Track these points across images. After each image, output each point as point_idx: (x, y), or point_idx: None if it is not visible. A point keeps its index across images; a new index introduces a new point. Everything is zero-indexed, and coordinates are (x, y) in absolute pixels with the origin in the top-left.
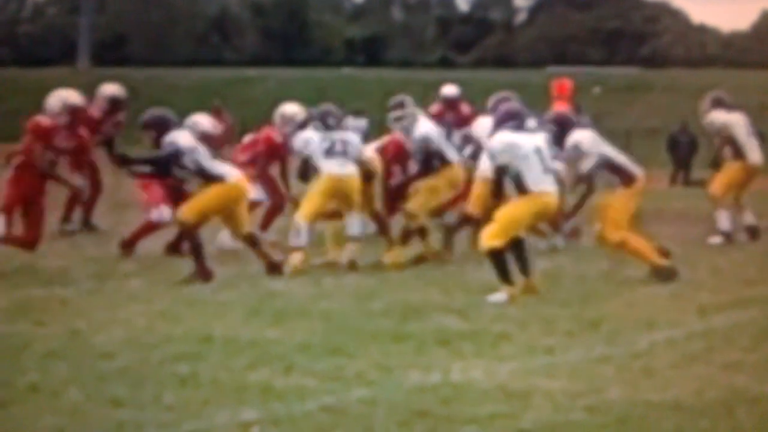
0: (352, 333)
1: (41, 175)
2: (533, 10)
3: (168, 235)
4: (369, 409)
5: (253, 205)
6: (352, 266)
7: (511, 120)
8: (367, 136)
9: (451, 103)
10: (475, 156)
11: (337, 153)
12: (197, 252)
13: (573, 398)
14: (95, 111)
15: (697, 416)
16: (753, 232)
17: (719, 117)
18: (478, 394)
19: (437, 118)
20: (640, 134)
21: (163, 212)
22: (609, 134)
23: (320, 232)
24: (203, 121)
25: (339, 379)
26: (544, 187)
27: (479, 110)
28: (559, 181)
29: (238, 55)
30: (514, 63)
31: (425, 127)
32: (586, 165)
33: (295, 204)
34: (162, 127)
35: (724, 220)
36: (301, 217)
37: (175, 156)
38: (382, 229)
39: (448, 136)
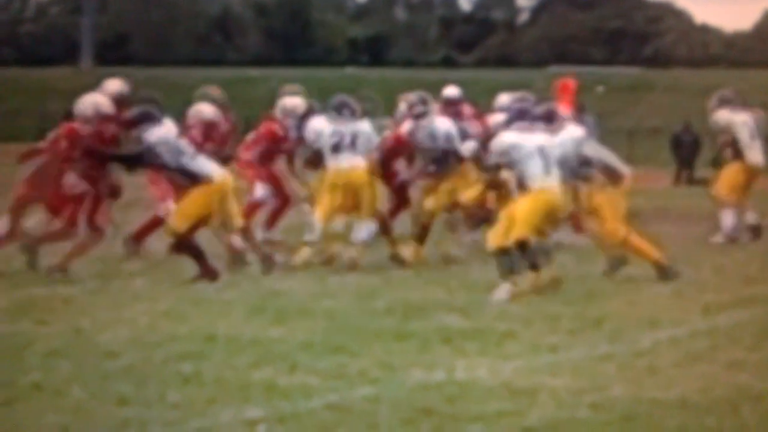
0: (355, 331)
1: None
2: (536, 10)
3: None
4: (373, 407)
5: (257, 205)
6: (353, 266)
7: (520, 119)
8: None
9: (452, 104)
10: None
11: (344, 147)
12: (198, 256)
13: (577, 396)
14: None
15: (702, 414)
16: (756, 232)
17: (723, 116)
18: (483, 392)
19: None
20: (643, 134)
21: (170, 207)
22: (612, 134)
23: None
24: (206, 109)
25: (342, 378)
26: (544, 184)
27: (482, 110)
28: None
29: (240, 54)
30: (516, 63)
31: (446, 124)
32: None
33: (311, 201)
34: (143, 122)
35: (727, 220)
36: (318, 218)
37: (151, 153)
38: (384, 229)
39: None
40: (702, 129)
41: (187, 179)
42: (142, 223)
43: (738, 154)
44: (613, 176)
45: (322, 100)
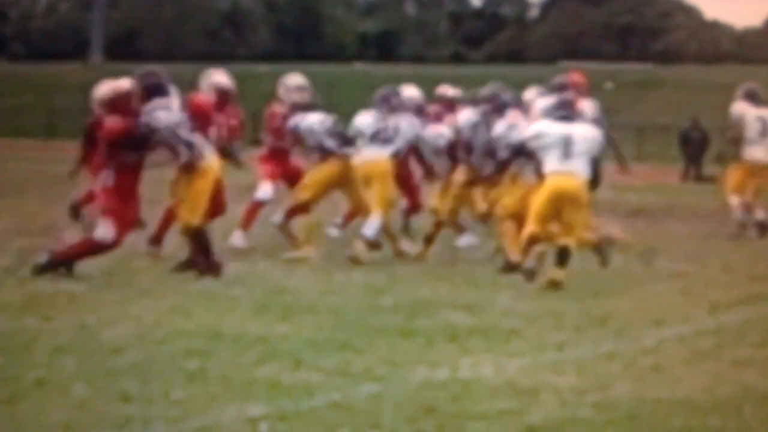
0: (360, 329)
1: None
2: (545, 6)
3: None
4: (377, 405)
5: (258, 205)
6: (355, 261)
7: (559, 110)
8: None
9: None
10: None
11: (380, 139)
12: (207, 249)
13: (581, 395)
14: None
15: (707, 413)
16: (763, 229)
17: (739, 108)
18: (487, 390)
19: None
20: (652, 130)
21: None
22: (621, 130)
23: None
24: (222, 78)
25: (347, 375)
26: (556, 170)
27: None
28: None
29: (250, 50)
30: (526, 58)
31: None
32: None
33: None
34: (152, 89)
35: (738, 211)
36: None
37: (152, 132)
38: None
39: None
40: (711, 125)
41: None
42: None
43: (742, 149)
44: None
45: (331, 96)
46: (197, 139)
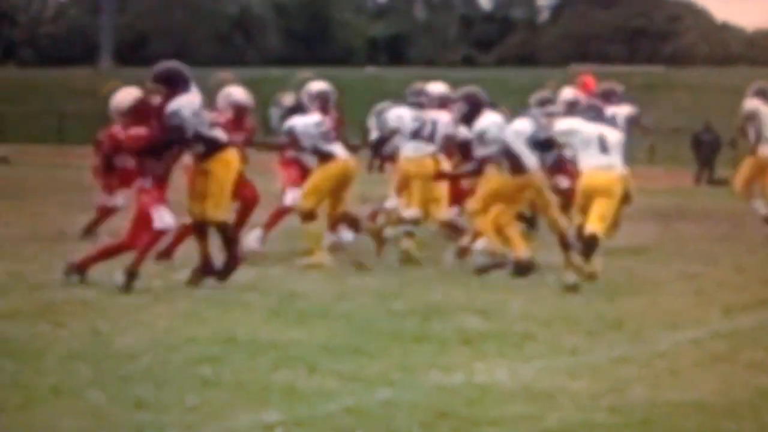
0: (374, 333)
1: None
2: (556, 9)
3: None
4: (391, 410)
5: (285, 211)
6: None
7: (589, 111)
8: None
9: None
10: None
11: (422, 136)
12: (232, 244)
13: (596, 399)
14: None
15: (721, 416)
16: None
17: (751, 104)
18: (501, 394)
19: None
20: (664, 133)
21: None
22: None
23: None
24: (237, 92)
25: (361, 380)
26: (591, 164)
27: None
28: None
29: (260, 54)
30: (536, 61)
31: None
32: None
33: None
34: (174, 84)
35: (760, 206)
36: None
37: (180, 128)
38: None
39: None
40: (722, 128)
41: (204, 148)
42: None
43: (754, 145)
44: (516, 167)
45: (341, 100)
46: (219, 133)
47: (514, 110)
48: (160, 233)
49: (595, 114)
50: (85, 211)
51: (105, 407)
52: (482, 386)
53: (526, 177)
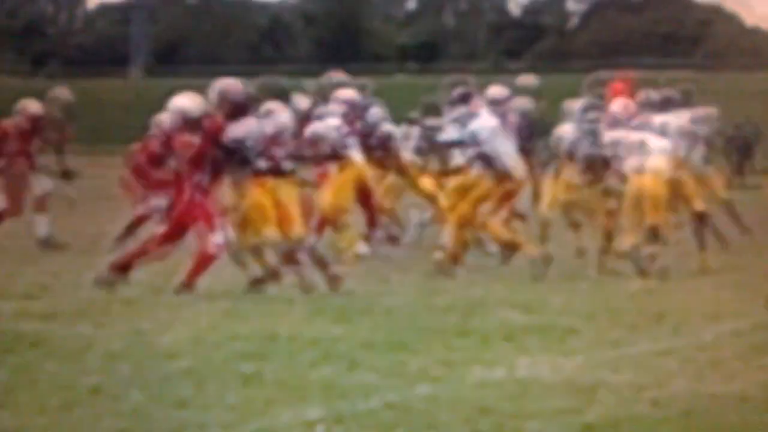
0: (415, 329)
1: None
2: (585, 15)
3: None
4: (433, 405)
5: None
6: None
7: (632, 122)
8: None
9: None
10: None
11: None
12: (323, 263)
13: (638, 392)
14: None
15: (764, 409)
16: None
17: None
18: (543, 389)
19: None
20: None
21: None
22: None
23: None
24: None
25: (402, 376)
26: (632, 168)
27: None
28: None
29: (290, 64)
30: (566, 67)
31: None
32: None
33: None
34: (238, 109)
35: None
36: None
37: (238, 152)
38: (370, 222)
39: None
40: (753, 132)
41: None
42: None
43: None
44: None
45: None
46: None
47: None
48: (213, 257)
49: (640, 124)
50: (117, 220)
51: (146, 407)
52: (524, 381)
53: (509, 180)
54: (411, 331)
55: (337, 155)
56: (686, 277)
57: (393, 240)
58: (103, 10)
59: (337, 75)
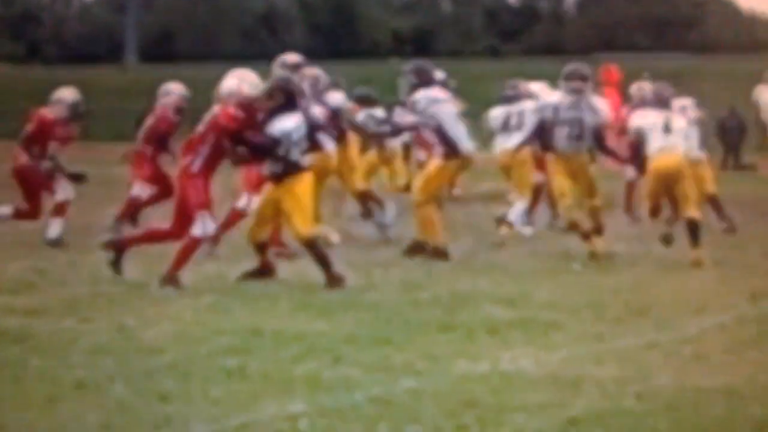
0: (399, 323)
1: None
2: None
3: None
4: (417, 399)
5: None
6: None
7: (656, 103)
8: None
9: None
10: None
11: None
12: (324, 260)
13: (623, 385)
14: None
15: (749, 402)
16: None
17: (759, 92)
18: (528, 383)
19: None
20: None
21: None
22: None
23: None
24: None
25: (386, 370)
26: (655, 147)
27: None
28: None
29: (286, 49)
30: (562, 51)
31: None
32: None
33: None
34: (291, 98)
35: None
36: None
37: (278, 144)
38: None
39: None
40: (749, 115)
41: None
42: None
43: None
44: (448, 150)
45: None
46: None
47: None
48: (198, 241)
49: (662, 103)
50: (110, 207)
51: (130, 401)
52: (508, 374)
53: (459, 160)
54: (395, 325)
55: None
56: (671, 270)
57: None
58: None
59: (291, 57)
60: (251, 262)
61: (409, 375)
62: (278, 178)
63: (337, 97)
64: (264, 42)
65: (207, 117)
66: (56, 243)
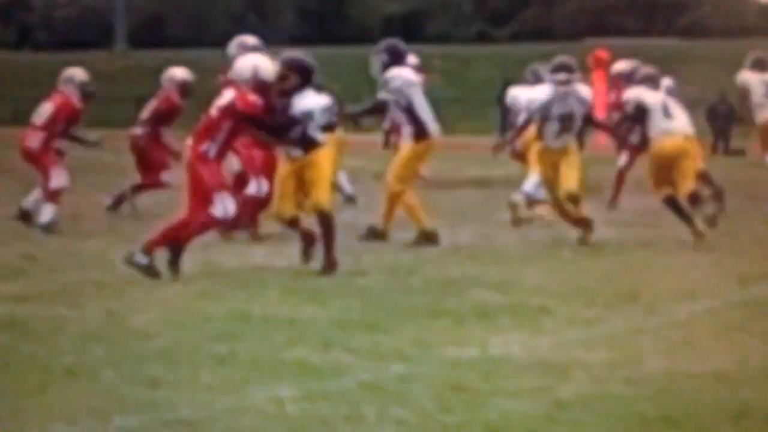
0: (389, 309)
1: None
2: None
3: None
4: (405, 384)
5: None
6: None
7: (647, 82)
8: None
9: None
10: None
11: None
12: (333, 242)
13: (612, 370)
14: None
15: (738, 386)
16: None
17: (742, 76)
18: (516, 367)
19: None
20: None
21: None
22: None
23: None
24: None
25: (376, 356)
26: (658, 131)
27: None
28: None
29: (275, 34)
30: (551, 35)
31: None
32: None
33: None
34: (307, 76)
35: None
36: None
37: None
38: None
39: None
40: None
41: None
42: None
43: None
44: (417, 131)
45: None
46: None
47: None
48: (216, 222)
49: (654, 84)
50: (100, 192)
51: (119, 387)
52: (497, 359)
53: (428, 142)
54: (384, 311)
55: None
56: (660, 256)
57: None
58: None
59: (250, 40)
60: (241, 249)
61: (399, 360)
62: (299, 157)
63: None
64: (254, 27)
65: (220, 102)
66: (49, 228)
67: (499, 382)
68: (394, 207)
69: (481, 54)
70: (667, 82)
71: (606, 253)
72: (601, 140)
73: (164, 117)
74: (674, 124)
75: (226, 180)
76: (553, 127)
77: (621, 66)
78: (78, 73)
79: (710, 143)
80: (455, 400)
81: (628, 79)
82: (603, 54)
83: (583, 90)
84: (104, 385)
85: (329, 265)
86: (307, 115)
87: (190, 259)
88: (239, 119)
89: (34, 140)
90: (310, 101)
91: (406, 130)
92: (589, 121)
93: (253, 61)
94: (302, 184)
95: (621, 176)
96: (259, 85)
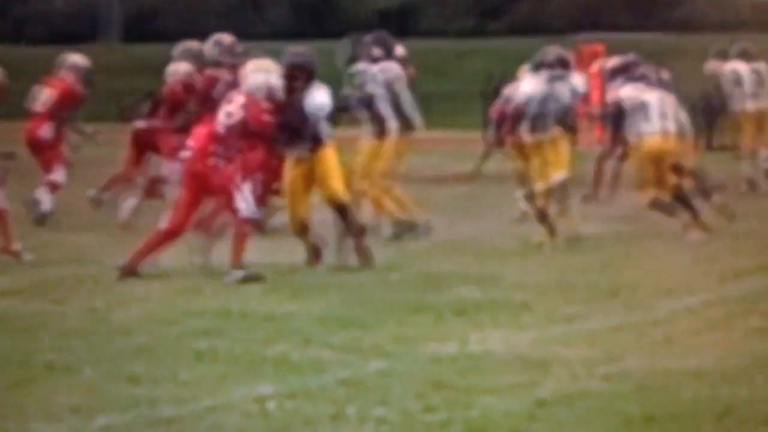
0: (369, 305)
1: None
2: None
3: None
4: (386, 381)
5: None
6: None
7: (639, 80)
8: None
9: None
10: None
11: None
12: (353, 225)
13: (591, 367)
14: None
15: (718, 383)
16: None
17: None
18: (496, 364)
19: None
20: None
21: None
22: None
23: None
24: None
25: (356, 352)
26: (651, 130)
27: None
28: None
29: (270, 27)
30: (545, 30)
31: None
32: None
33: None
34: (312, 74)
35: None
36: None
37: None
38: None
39: None
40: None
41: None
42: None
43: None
44: (379, 128)
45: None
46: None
47: None
48: (248, 222)
49: (648, 81)
50: (87, 187)
51: (99, 383)
52: (477, 356)
53: (411, 134)
54: (364, 307)
55: None
56: (640, 252)
57: None
58: None
59: (226, 38)
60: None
61: (379, 357)
62: (306, 157)
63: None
64: (248, 21)
65: (228, 119)
66: (45, 217)
67: (479, 379)
68: (382, 201)
69: (474, 48)
70: (664, 75)
71: (587, 249)
72: (597, 134)
73: (171, 110)
74: (654, 125)
75: (239, 175)
76: (547, 120)
77: (611, 62)
78: (80, 60)
79: (705, 138)
80: (436, 397)
81: (611, 76)
82: (596, 48)
83: (577, 80)
84: (85, 382)
85: (365, 260)
86: (320, 110)
87: (170, 255)
88: (250, 135)
89: (47, 131)
90: (320, 96)
91: (390, 124)
92: (574, 112)
93: (262, 69)
94: (312, 183)
95: (600, 169)
96: (270, 92)
